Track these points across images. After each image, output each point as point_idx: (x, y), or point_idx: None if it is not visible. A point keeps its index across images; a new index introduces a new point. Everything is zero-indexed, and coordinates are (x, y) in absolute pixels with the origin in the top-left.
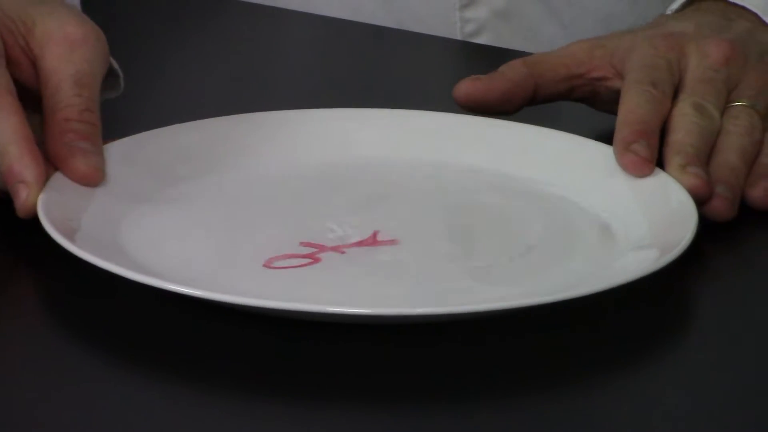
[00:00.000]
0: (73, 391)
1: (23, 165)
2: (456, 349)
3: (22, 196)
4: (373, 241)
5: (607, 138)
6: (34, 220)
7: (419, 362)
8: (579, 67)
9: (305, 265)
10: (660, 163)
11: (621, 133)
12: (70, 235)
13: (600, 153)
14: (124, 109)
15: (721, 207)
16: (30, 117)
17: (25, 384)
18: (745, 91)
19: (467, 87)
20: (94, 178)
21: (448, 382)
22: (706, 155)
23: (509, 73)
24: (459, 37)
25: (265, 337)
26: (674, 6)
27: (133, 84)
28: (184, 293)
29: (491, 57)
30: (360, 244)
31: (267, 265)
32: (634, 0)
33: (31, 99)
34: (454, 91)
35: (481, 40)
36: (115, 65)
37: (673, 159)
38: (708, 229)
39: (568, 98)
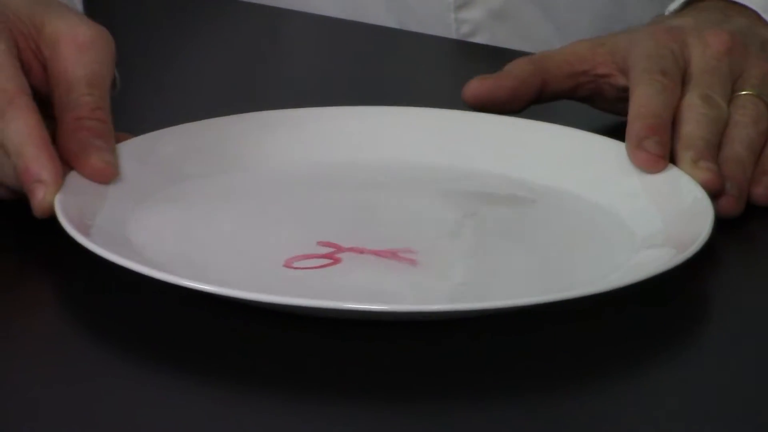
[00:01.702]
0: (88, 388)
1: (40, 165)
2: (467, 347)
3: (39, 196)
4: (391, 254)
5: (611, 136)
6: (47, 219)
7: (431, 360)
8: (583, 64)
9: (326, 265)
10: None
11: (633, 127)
12: (88, 234)
13: (611, 149)
14: (128, 110)
15: (729, 205)
16: None
17: (39, 381)
18: (750, 80)
19: (475, 86)
20: (108, 174)
21: (459, 380)
22: (716, 147)
23: (515, 70)
24: (454, 38)
25: (283, 335)
26: (673, 6)
27: (137, 84)
28: (205, 291)
29: (491, 57)
30: (377, 254)
31: (287, 265)
32: (628, 1)
33: (41, 104)
34: (463, 91)
35: (477, 41)
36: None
37: (685, 154)
38: (719, 224)
39: (573, 96)
